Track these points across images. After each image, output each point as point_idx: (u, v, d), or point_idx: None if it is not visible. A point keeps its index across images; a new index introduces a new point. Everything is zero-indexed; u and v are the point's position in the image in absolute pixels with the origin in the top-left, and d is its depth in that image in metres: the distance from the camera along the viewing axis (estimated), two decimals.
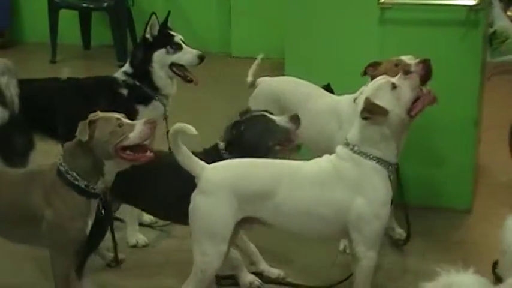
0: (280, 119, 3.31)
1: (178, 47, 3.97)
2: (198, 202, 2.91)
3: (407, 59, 3.51)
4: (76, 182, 2.90)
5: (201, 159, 2.96)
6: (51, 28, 7.62)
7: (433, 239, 3.87)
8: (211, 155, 3.20)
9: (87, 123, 2.87)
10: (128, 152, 2.91)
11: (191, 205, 2.93)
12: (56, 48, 7.61)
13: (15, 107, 3.57)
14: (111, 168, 2.95)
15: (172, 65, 3.96)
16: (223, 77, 6.84)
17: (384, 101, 2.93)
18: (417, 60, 3.48)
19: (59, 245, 2.95)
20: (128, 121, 2.96)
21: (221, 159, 3.18)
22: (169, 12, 4.06)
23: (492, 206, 4.20)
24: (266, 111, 3.39)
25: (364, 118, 2.93)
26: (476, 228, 4.08)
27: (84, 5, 7.74)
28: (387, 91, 2.95)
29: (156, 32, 3.94)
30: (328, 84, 3.98)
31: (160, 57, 3.93)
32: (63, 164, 2.92)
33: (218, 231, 2.90)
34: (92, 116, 2.90)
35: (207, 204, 2.89)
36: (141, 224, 3.92)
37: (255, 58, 4.16)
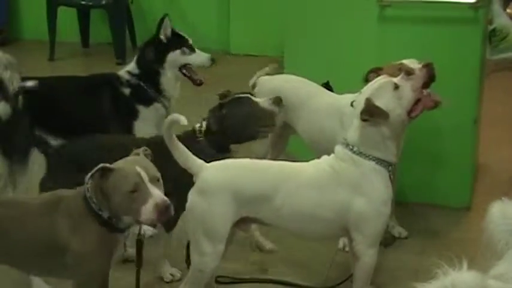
0: (263, 101, 3.27)
1: (192, 49, 4.05)
2: (196, 202, 2.88)
3: (409, 62, 3.39)
4: (100, 212, 2.67)
5: None
6: (49, 26, 7.60)
7: (433, 237, 3.87)
8: (185, 140, 3.02)
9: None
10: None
11: (188, 204, 2.91)
12: (54, 46, 7.59)
13: (18, 102, 3.56)
14: (129, 220, 2.69)
15: (183, 67, 4.03)
16: (222, 74, 6.82)
17: (385, 101, 2.92)
18: (420, 64, 3.29)
19: (84, 276, 2.73)
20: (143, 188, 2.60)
21: (196, 143, 3.17)
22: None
23: (492, 203, 4.18)
24: (249, 93, 3.35)
25: (364, 120, 2.91)
26: (476, 225, 4.05)
27: (83, 2, 7.72)
28: (389, 91, 2.95)
29: (169, 34, 3.98)
30: (328, 82, 3.97)
31: (174, 58, 3.99)
32: (90, 189, 2.68)
33: (216, 232, 2.88)
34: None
35: (205, 205, 2.86)
36: None
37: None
